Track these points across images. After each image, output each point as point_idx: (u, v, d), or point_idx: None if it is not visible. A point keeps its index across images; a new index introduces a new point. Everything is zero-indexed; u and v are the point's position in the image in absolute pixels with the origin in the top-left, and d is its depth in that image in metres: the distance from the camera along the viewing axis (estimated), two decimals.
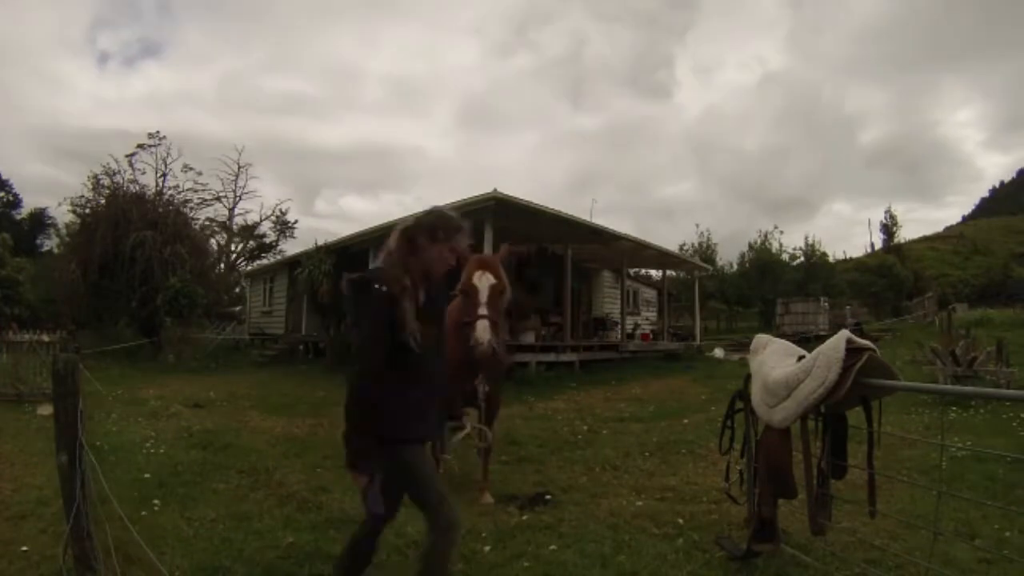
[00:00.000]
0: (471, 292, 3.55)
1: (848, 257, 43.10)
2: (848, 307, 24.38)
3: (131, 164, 20.75)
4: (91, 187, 18.31)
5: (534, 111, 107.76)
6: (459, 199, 11.05)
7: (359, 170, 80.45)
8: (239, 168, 31.72)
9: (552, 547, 3.17)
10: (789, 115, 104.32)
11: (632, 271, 22.11)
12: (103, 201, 17.79)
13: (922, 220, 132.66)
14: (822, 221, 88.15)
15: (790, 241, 44.80)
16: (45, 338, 9.48)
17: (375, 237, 13.78)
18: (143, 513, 3.58)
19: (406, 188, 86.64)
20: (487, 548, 3.16)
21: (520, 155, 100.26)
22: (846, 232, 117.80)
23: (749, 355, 3.28)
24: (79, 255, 16.79)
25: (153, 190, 20.69)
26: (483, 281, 3.56)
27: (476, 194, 10.59)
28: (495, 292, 3.57)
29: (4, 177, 35.94)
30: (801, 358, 2.79)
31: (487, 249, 10.52)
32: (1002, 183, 74.48)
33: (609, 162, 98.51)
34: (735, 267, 32.59)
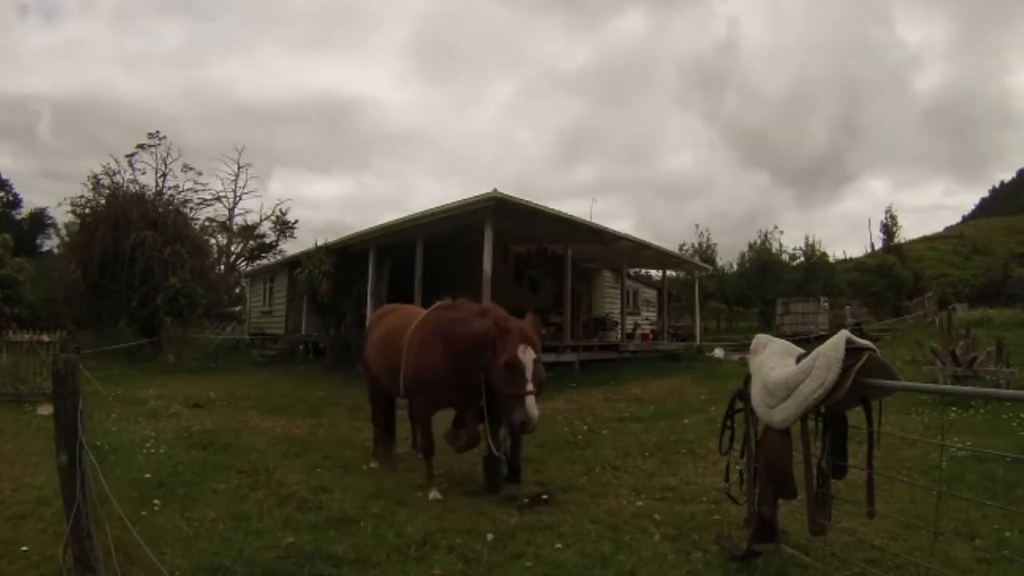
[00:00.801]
0: (517, 367, 3.65)
1: (848, 257, 43.13)
2: (848, 307, 24.35)
3: (131, 164, 20.80)
4: (91, 187, 18.32)
5: (504, 44, 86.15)
6: (459, 199, 11.08)
7: (310, 138, 64.42)
8: (239, 168, 31.78)
9: (552, 547, 3.17)
10: (829, 43, 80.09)
11: (632, 271, 22.11)
12: (103, 201, 17.76)
13: (958, 208, 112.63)
14: (850, 203, 74.45)
15: (790, 241, 43.94)
16: (45, 338, 9.48)
17: (375, 237, 13.80)
18: (143, 513, 3.58)
19: (369, 164, 73.69)
20: (487, 548, 3.16)
21: (496, 114, 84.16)
22: (872, 220, 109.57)
23: (749, 355, 3.28)
24: (79, 255, 16.77)
25: (153, 190, 20.71)
26: (528, 356, 3.68)
27: (476, 194, 10.59)
28: (537, 366, 3.73)
29: (4, 177, 35.99)
30: (801, 358, 2.79)
31: (487, 249, 10.54)
32: (1002, 183, 74.17)
33: (602, 119, 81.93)
34: (735, 267, 32.59)
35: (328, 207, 61.52)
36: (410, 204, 79.87)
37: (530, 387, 3.60)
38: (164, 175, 23.02)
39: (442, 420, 4.58)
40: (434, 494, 4.18)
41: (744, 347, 6.71)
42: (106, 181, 18.56)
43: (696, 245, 32.92)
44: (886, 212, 44.90)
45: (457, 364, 4.12)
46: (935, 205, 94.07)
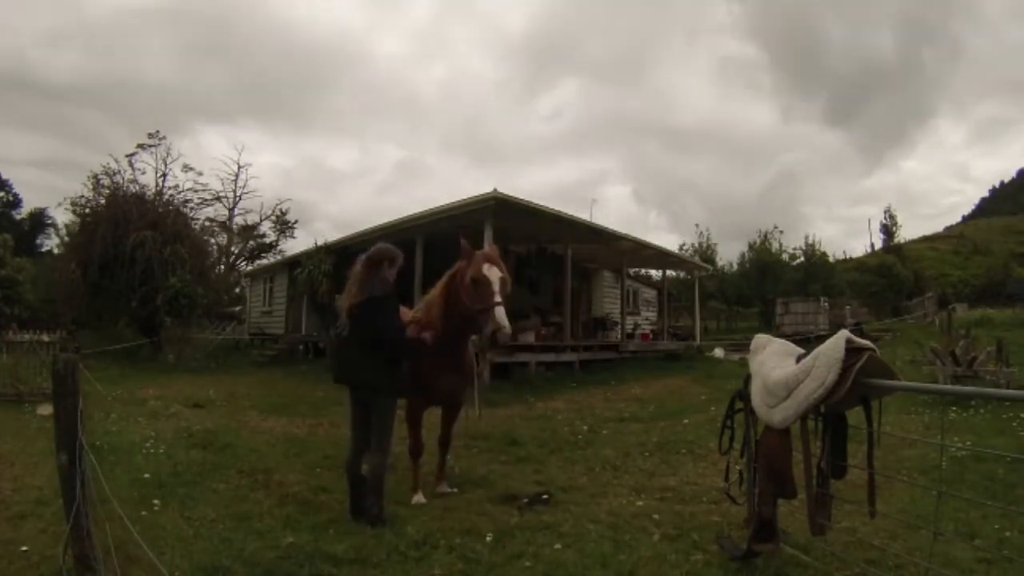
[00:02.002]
0: (483, 282, 3.74)
1: (848, 257, 43.21)
2: (848, 307, 24.35)
3: (131, 164, 20.82)
4: (91, 187, 18.35)
5: None
6: (457, 199, 11.11)
7: (201, 64, 48.93)
8: (239, 168, 31.80)
9: (552, 547, 3.17)
10: None
11: (632, 271, 22.11)
12: (103, 201, 17.79)
13: None
14: (914, 162, 56.79)
15: (790, 241, 41.90)
16: (45, 338, 9.49)
17: (375, 237, 13.81)
18: (143, 513, 3.58)
19: (294, 109, 58.36)
20: (487, 548, 3.16)
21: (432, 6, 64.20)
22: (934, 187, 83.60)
23: (749, 355, 3.28)
24: (79, 255, 16.78)
25: (153, 190, 20.75)
26: (493, 272, 3.78)
27: (475, 194, 10.64)
28: (503, 284, 3.80)
29: (4, 177, 36.00)
30: (801, 358, 2.79)
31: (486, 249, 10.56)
32: (1002, 183, 74.06)
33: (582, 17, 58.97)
34: (735, 267, 32.62)
35: (267, 179, 51.35)
36: (363, 180, 69.92)
37: (498, 299, 3.70)
38: (164, 175, 23.04)
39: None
40: (418, 498, 4.15)
41: (744, 347, 6.71)
42: (106, 181, 18.62)
43: (696, 245, 33.01)
44: (885, 212, 45.12)
45: (445, 338, 4.10)
46: (1003, 171, 76.35)
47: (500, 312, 3.65)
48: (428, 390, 4.32)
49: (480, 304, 3.71)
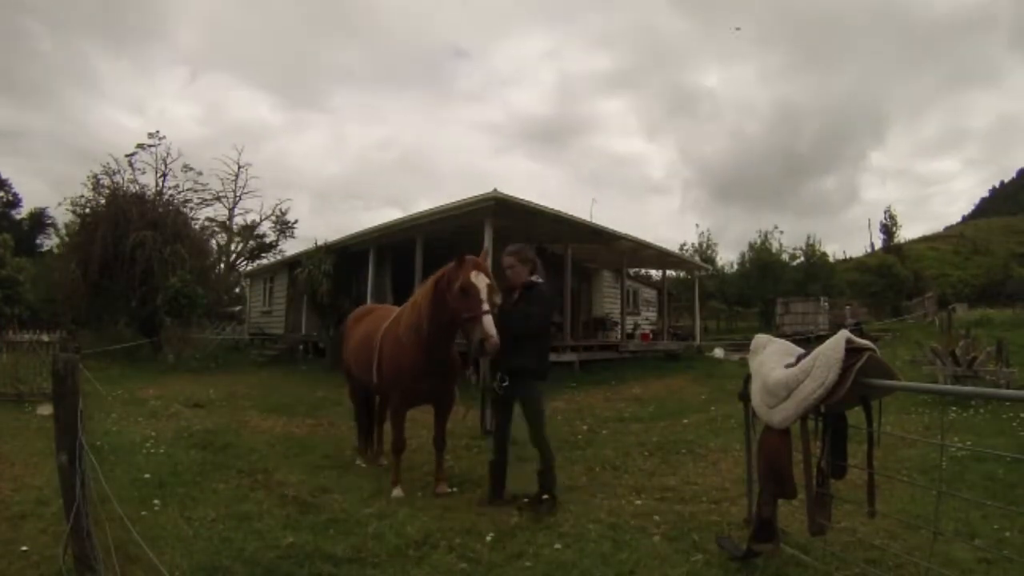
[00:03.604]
0: (471, 290, 3.75)
1: (848, 257, 43.24)
2: (848, 307, 24.35)
3: (131, 164, 20.81)
4: (91, 187, 18.34)
5: None
6: (457, 199, 11.11)
7: None
8: (239, 168, 31.79)
9: (552, 547, 3.17)
10: None
11: (632, 271, 22.11)
12: (103, 201, 17.79)
13: None
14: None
15: (789, 241, 40.63)
16: (45, 338, 9.50)
17: (374, 237, 13.81)
18: (143, 513, 3.58)
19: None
20: (487, 548, 3.16)
21: None
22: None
23: (749, 355, 3.28)
24: (79, 255, 16.78)
25: (153, 190, 20.76)
26: (481, 280, 3.79)
27: (475, 194, 10.64)
28: (491, 291, 3.82)
29: (3, 177, 35.97)
30: (801, 358, 2.78)
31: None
32: (1002, 183, 74.16)
33: None
34: (735, 267, 32.65)
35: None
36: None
37: (485, 307, 3.74)
38: (164, 175, 23.01)
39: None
40: (396, 492, 4.20)
41: (744, 347, 6.71)
42: (106, 181, 18.62)
43: (696, 245, 33.04)
44: (885, 212, 45.12)
45: (431, 341, 4.15)
46: None
47: (488, 321, 3.66)
48: (410, 390, 4.36)
49: (468, 312, 3.73)
